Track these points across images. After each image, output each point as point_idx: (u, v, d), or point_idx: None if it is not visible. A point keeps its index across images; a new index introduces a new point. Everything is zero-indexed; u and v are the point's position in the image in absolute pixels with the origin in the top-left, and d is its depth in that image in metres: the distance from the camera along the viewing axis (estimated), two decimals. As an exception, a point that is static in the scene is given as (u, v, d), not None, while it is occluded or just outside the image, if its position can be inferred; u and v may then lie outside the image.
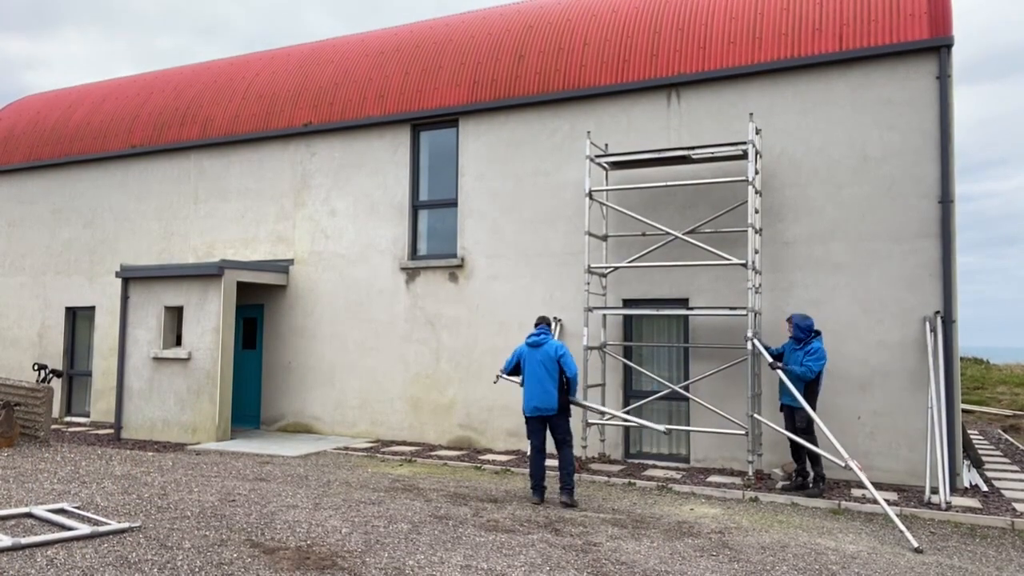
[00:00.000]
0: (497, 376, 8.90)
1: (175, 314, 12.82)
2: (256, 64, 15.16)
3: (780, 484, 9.00)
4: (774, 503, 8.44)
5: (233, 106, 14.46)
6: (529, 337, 8.37)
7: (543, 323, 8.54)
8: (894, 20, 9.79)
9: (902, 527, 7.01)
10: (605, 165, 10.77)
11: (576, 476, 9.16)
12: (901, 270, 9.57)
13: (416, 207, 12.78)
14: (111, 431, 13.23)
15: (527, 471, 9.80)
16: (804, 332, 8.89)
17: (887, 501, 8.31)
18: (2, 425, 11.13)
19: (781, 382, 8.91)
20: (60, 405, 15.29)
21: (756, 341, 9.20)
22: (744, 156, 9.81)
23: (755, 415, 9.24)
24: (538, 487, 8.12)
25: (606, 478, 9.42)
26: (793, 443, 8.85)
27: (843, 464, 7.90)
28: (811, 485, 8.73)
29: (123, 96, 16.29)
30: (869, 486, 7.69)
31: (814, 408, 8.68)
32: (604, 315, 10.71)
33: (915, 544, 6.61)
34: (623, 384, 10.96)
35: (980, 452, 11.73)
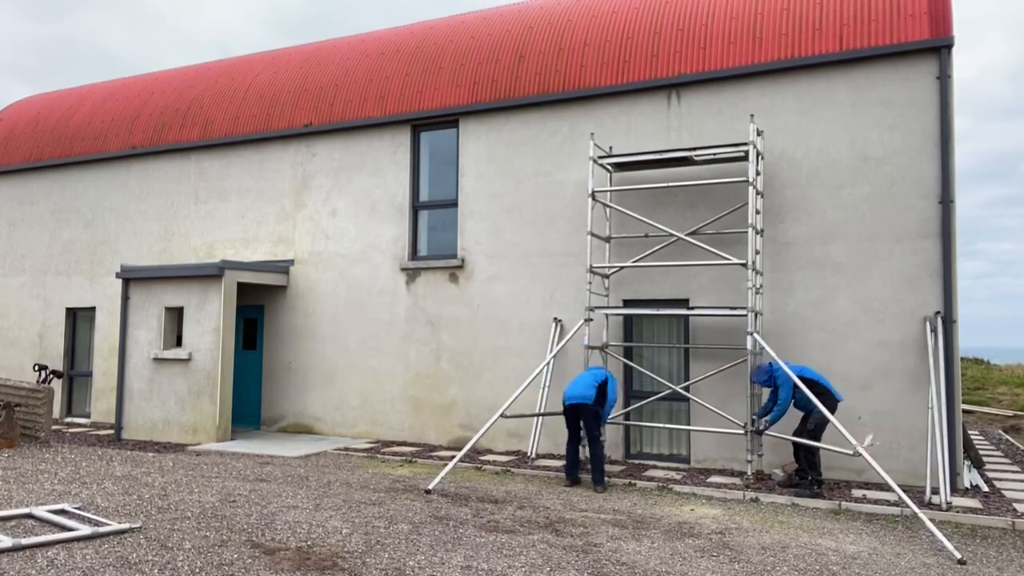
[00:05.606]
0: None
1: (175, 315, 12.82)
2: (257, 65, 15.16)
3: (779, 479, 9.02)
4: (775, 503, 8.43)
5: (234, 107, 14.47)
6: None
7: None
8: (894, 20, 9.79)
9: (932, 527, 7.00)
10: (608, 166, 10.78)
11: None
12: (901, 270, 9.57)
13: (416, 207, 12.78)
14: (111, 432, 13.23)
15: (527, 471, 9.83)
16: (765, 377, 8.96)
17: (887, 502, 8.33)
18: (3, 426, 11.13)
19: (796, 405, 8.94)
20: (60, 406, 15.29)
21: (758, 336, 9.20)
22: (745, 157, 9.81)
23: (754, 430, 9.25)
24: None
25: (607, 478, 9.41)
26: (795, 442, 8.87)
27: (852, 452, 7.87)
28: (808, 486, 8.72)
29: (124, 97, 16.30)
30: (881, 471, 7.69)
31: (831, 411, 8.64)
32: (606, 315, 10.71)
33: (958, 555, 6.39)
34: (624, 384, 10.96)
35: (981, 452, 11.73)
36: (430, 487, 8.51)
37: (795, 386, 8.72)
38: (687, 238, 10.04)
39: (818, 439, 8.72)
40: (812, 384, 8.72)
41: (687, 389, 10.29)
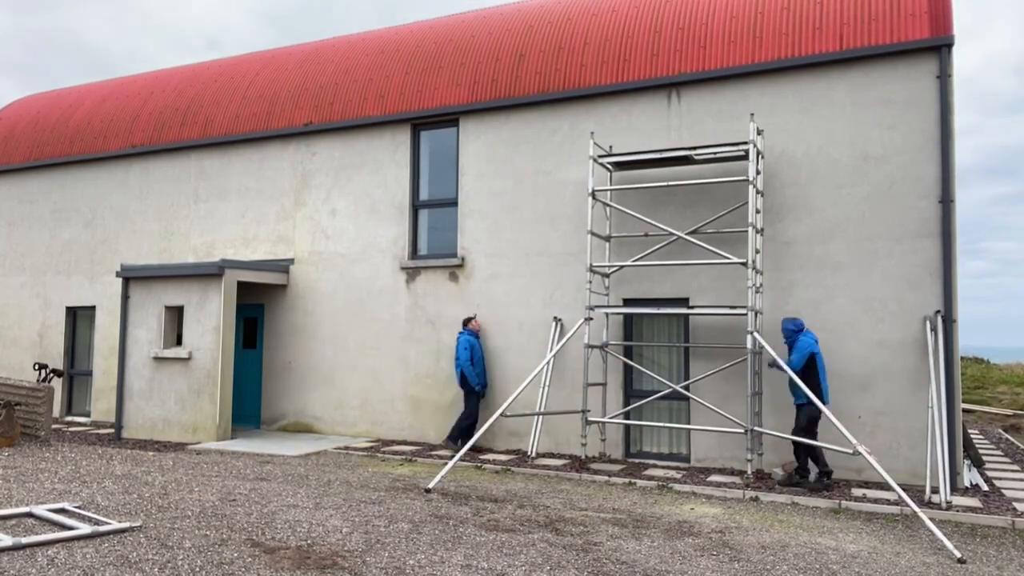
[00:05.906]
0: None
1: (175, 314, 12.82)
2: (257, 64, 15.16)
3: (779, 479, 9.03)
4: (774, 503, 8.44)
5: (234, 106, 14.47)
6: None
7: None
8: (894, 19, 9.79)
9: (932, 527, 7.00)
10: (608, 166, 10.78)
11: (576, 475, 9.51)
12: (901, 269, 9.57)
13: (416, 207, 12.78)
14: (112, 431, 13.24)
15: (527, 470, 9.84)
16: (788, 334, 9.21)
17: (887, 501, 8.33)
18: (3, 425, 11.13)
19: (790, 383, 9.07)
20: (61, 405, 15.30)
21: (757, 335, 9.21)
22: (745, 156, 9.81)
23: (755, 428, 9.27)
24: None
25: (606, 477, 9.42)
26: (794, 441, 8.90)
27: (852, 451, 7.88)
28: (808, 484, 8.74)
29: (124, 96, 16.29)
30: (882, 471, 7.69)
31: (824, 402, 8.72)
32: (606, 314, 10.71)
33: (957, 555, 6.41)
34: (623, 384, 10.97)
35: (980, 451, 11.73)
36: (430, 486, 8.51)
37: (807, 362, 8.92)
38: (687, 237, 10.04)
39: (812, 434, 8.79)
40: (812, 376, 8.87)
41: (687, 388, 10.29)
